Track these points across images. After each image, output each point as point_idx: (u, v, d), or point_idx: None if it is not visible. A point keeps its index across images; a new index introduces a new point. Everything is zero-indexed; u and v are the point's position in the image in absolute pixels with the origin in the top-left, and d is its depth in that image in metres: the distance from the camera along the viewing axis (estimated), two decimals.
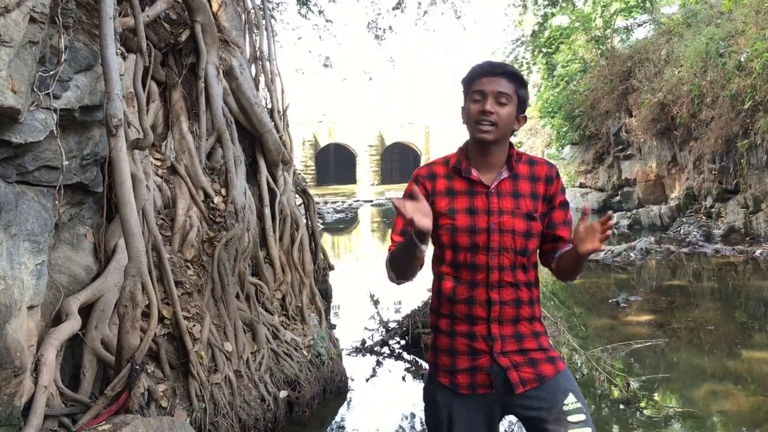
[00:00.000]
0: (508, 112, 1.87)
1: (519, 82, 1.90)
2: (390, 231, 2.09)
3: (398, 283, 1.98)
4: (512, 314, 1.89)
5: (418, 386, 4.86)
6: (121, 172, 3.00)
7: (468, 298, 1.89)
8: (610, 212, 1.82)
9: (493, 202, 1.89)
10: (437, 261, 1.99)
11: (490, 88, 1.85)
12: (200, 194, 4.57)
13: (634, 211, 15.59)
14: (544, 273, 2.10)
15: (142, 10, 4.03)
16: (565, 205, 2.01)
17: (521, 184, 1.93)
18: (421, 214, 1.70)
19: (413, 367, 5.30)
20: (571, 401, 1.86)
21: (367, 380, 5.07)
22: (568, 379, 1.93)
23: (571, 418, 1.83)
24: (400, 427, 4.22)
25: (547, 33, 18.33)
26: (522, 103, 1.91)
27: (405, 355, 5.61)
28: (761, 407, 4.24)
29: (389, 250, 1.98)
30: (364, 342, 5.80)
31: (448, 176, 1.95)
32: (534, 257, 1.98)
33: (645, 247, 10.75)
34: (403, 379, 5.08)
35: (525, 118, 1.95)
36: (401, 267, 1.90)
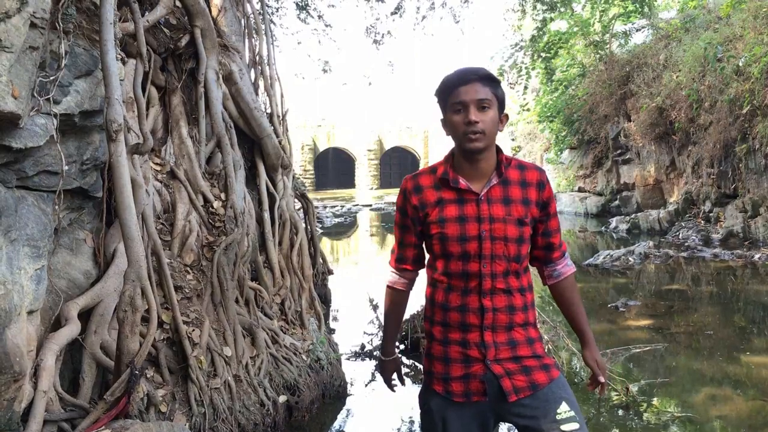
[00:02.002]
0: (492, 117, 1.86)
1: (494, 83, 1.88)
2: (390, 234, 2.12)
3: None
4: (506, 321, 1.88)
5: (417, 391, 4.85)
6: (120, 176, 3.00)
7: (460, 305, 1.89)
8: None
9: (483, 210, 1.88)
10: (430, 268, 2.00)
11: (469, 96, 1.84)
12: (200, 199, 4.58)
13: (633, 216, 15.61)
14: (539, 278, 2.11)
15: (142, 15, 4.04)
16: (556, 212, 2.04)
17: (512, 190, 1.92)
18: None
19: (412, 372, 5.29)
20: (564, 410, 1.85)
21: (366, 385, 5.07)
22: (562, 387, 1.91)
23: (564, 427, 1.82)
24: (399, 431, 4.21)
25: (545, 38, 18.37)
26: (501, 103, 1.91)
27: (404, 359, 5.61)
28: (760, 412, 4.24)
29: (391, 264, 2.12)
30: (363, 346, 5.80)
31: (435, 186, 1.94)
32: (526, 262, 1.98)
33: (644, 252, 10.75)
34: (402, 383, 5.07)
35: (507, 117, 1.95)
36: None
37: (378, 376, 5.26)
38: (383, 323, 2.23)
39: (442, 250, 1.90)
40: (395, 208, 2.08)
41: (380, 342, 2.13)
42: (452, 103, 1.87)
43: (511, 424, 1.96)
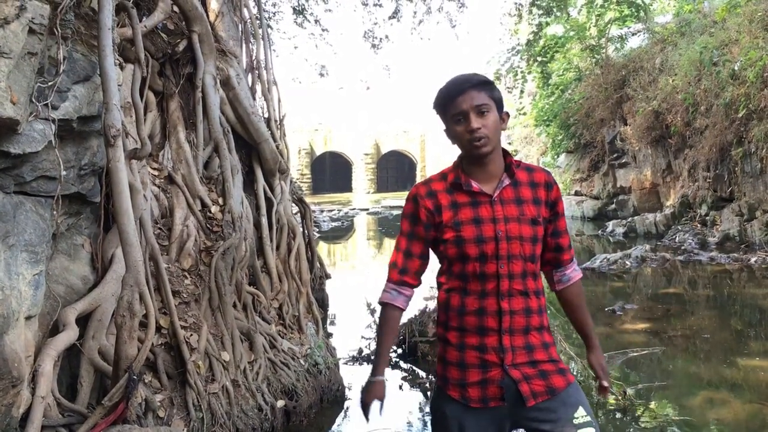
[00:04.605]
0: (493, 119, 1.88)
1: (489, 86, 1.90)
2: (390, 243, 2.11)
3: None
4: (523, 324, 1.89)
5: (415, 395, 4.86)
6: (118, 181, 3.00)
7: (478, 309, 1.88)
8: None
9: (498, 210, 1.90)
10: (443, 275, 1.99)
11: (467, 105, 1.85)
12: (197, 204, 4.58)
13: (630, 219, 15.63)
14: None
15: (140, 21, 4.04)
16: (563, 213, 2.05)
17: (523, 191, 1.94)
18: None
19: (410, 376, 5.29)
20: (581, 414, 1.86)
21: None
22: (577, 392, 1.92)
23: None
24: None
25: (542, 42, 18.42)
26: (499, 104, 1.92)
27: (402, 363, 5.61)
28: (757, 415, 4.25)
29: (393, 278, 2.03)
30: (361, 351, 5.80)
31: (448, 191, 1.95)
32: (539, 264, 1.99)
33: (640, 255, 10.77)
34: (400, 387, 5.08)
35: (508, 115, 1.96)
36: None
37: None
38: (377, 341, 2.12)
39: (459, 253, 1.89)
40: (402, 216, 2.03)
41: (372, 359, 2.06)
42: (452, 115, 1.89)
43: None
